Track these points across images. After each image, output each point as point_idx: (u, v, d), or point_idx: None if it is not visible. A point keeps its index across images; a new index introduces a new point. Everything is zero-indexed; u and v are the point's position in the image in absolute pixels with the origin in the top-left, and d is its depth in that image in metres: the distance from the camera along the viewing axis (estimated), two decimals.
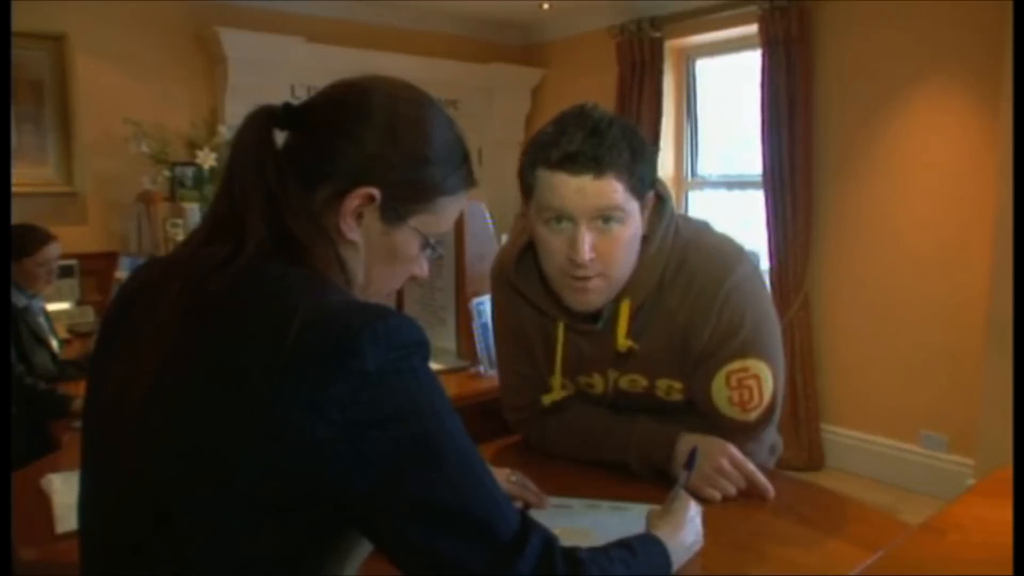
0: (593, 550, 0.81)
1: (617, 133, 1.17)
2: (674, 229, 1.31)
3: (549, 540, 0.75)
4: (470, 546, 0.70)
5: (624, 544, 0.87)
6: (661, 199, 1.30)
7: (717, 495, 1.21)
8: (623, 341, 1.29)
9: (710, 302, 1.26)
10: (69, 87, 3.80)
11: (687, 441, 1.25)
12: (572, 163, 1.16)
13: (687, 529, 1.00)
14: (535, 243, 1.28)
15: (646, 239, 1.27)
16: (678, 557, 0.95)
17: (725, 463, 1.22)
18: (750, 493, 1.22)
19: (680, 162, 4.65)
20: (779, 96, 3.80)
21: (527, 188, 1.24)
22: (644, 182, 1.21)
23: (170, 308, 0.74)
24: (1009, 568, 0.81)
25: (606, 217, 1.18)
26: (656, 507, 1.06)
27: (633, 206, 1.21)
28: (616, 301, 1.28)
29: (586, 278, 1.22)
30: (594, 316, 1.32)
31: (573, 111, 1.21)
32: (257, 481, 0.67)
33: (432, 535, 0.69)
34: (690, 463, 1.14)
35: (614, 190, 1.17)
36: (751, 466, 1.23)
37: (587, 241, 1.18)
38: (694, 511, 1.04)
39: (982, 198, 3.22)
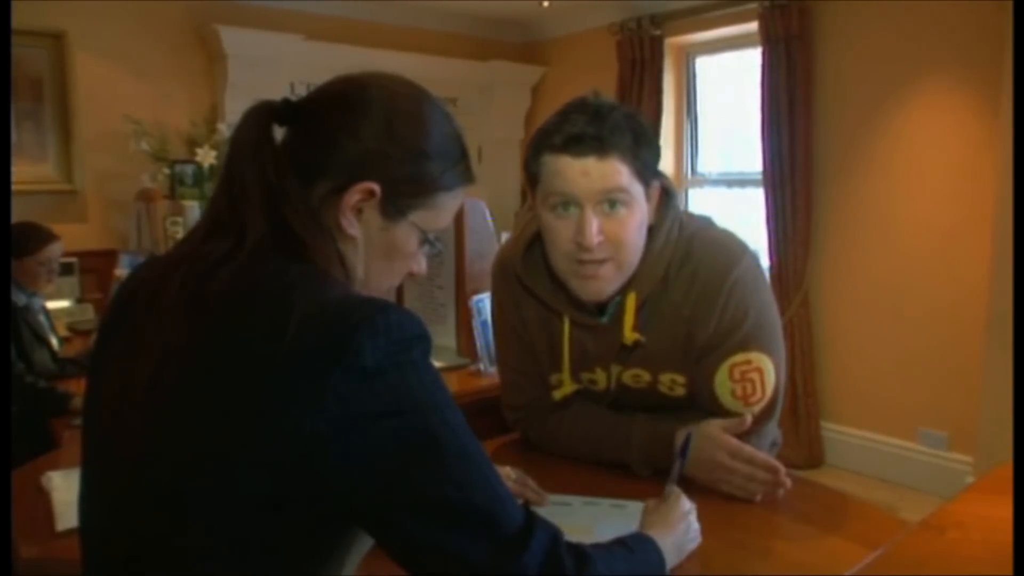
0: (595, 547, 0.81)
1: (619, 117, 1.19)
2: (679, 224, 1.31)
3: (555, 535, 0.75)
4: (473, 541, 0.70)
5: (620, 543, 0.87)
6: (666, 193, 1.31)
7: (747, 494, 1.20)
8: (630, 334, 1.29)
9: (715, 294, 1.26)
10: (69, 85, 3.80)
11: (684, 430, 1.24)
12: (576, 144, 1.17)
13: (680, 527, 1.00)
14: (542, 232, 1.28)
15: (652, 233, 1.28)
16: (671, 557, 0.95)
17: (725, 459, 1.21)
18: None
19: (680, 160, 4.64)
20: (779, 94, 3.80)
21: (532, 178, 1.25)
22: (648, 167, 1.23)
23: (170, 305, 0.74)
24: (1009, 566, 0.81)
25: (612, 200, 1.19)
26: (651, 501, 1.06)
27: (638, 190, 1.22)
28: (622, 295, 1.29)
29: (595, 263, 1.22)
30: (600, 310, 1.32)
31: (575, 101, 1.23)
32: (257, 476, 0.66)
33: (434, 530, 0.69)
34: (683, 450, 1.14)
35: (618, 172, 1.18)
36: (749, 450, 1.21)
37: (594, 224, 1.19)
38: (687, 508, 1.04)
39: (981, 196, 3.22)
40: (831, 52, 3.74)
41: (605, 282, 1.25)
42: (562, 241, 1.23)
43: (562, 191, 1.20)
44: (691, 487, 1.16)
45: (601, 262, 1.22)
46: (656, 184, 1.27)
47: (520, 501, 1.15)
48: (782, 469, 1.19)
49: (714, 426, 1.24)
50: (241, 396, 0.67)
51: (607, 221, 1.20)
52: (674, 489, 1.07)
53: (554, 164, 1.20)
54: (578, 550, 0.77)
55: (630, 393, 1.37)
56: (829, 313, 3.89)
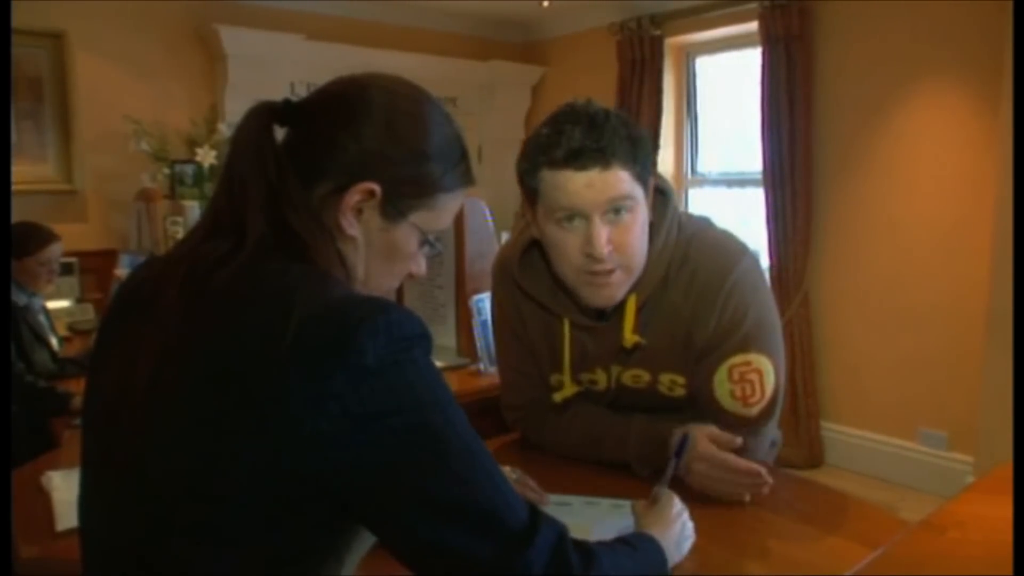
0: (599, 544, 0.82)
1: (615, 123, 1.18)
2: (677, 225, 1.31)
3: (561, 533, 0.75)
4: (478, 538, 0.70)
5: (623, 541, 0.88)
6: (664, 194, 1.31)
7: (734, 498, 1.18)
8: (630, 336, 1.29)
9: (714, 295, 1.26)
10: (68, 84, 3.80)
11: (680, 431, 1.23)
12: (577, 159, 1.16)
13: (677, 526, 1.01)
14: (546, 245, 1.28)
15: (651, 233, 1.28)
16: (672, 555, 0.95)
17: (703, 468, 1.18)
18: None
19: (680, 160, 4.64)
20: (779, 94, 3.80)
21: (531, 192, 1.24)
22: (646, 168, 1.22)
23: (170, 305, 0.74)
24: (1009, 565, 0.81)
25: (617, 208, 1.19)
26: (640, 502, 1.06)
27: (639, 192, 1.21)
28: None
29: (607, 272, 1.22)
30: (600, 312, 1.32)
31: (564, 110, 1.22)
32: (257, 476, 0.66)
33: (439, 528, 0.69)
34: (679, 452, 1.14)
35: (621, 180, 1.18)
36: (728, 460, 1.18)
37: (603, 235, 1.18)
38: (679, 507, 1.04)
39: (981, 196, 3.22)
40: (831, 52, 3.74)
41: (616, 288, 1.25)
42: (571, 253, 1.22)
43: (568, 205, 1.19)
44: (689, 489, 1.16)
45: (612, 270, 1.22)
46: (651, 180, 1.27)
47: None
48: (762, 470, 1.17)
49: (702, 435, 1.21)
50: (241, 396, 0.67)
51: (614, 229, 1.20)
52: (664, 490, 1.07)
53: (556, 179, 1.19)
54: (584, 548, 0.77)
55: (630, 393, 1.37)
56: (829, 313, 3.89)
